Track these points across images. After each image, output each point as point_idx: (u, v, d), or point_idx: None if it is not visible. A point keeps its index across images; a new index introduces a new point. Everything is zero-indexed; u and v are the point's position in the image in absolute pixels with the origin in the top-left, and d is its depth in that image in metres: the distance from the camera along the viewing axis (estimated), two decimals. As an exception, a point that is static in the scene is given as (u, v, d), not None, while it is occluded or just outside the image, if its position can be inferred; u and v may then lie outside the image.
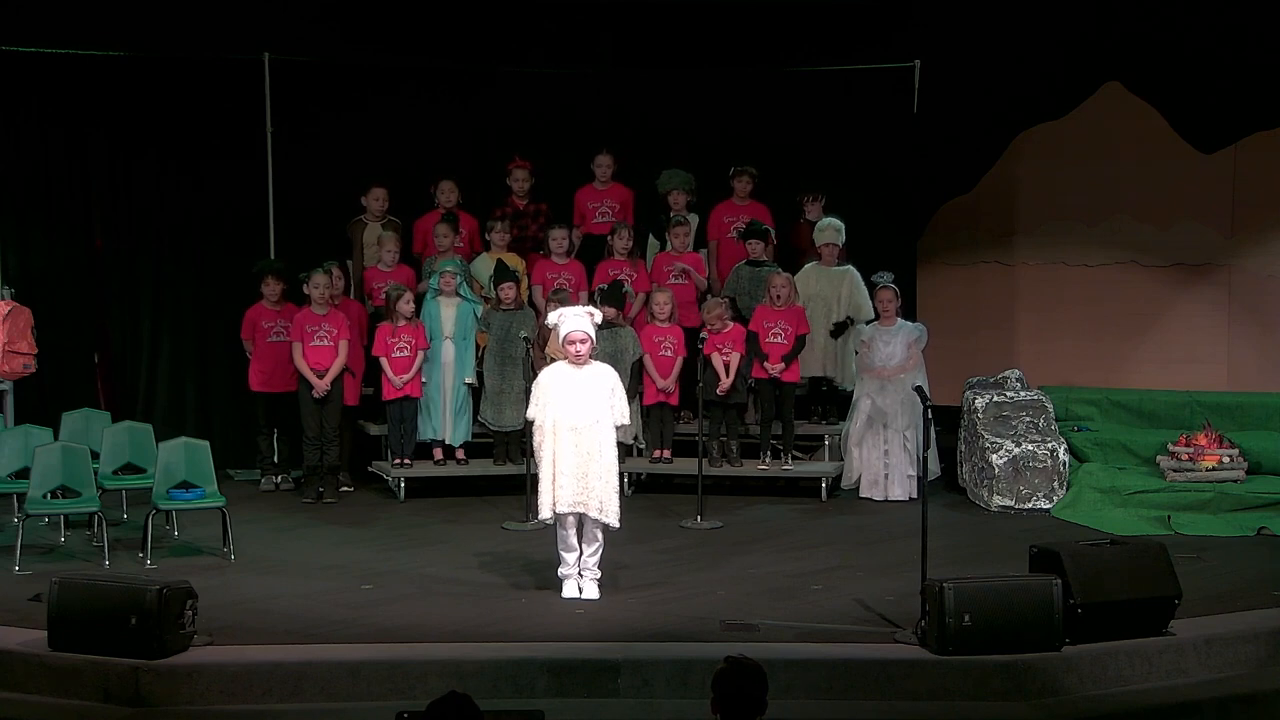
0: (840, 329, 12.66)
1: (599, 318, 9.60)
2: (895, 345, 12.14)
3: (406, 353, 12.14)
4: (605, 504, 9.22)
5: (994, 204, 14.50)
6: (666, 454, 12.39)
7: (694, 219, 13.07)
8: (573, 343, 9.32)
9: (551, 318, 9.64)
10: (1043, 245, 14.46)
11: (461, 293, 12.28)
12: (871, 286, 12.36)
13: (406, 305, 12.09)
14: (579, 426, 9.22)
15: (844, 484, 12.37)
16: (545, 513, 9.30)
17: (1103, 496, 11.68)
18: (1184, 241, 14.18)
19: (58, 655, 8.09)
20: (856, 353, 12.40)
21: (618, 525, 9.31)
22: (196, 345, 13.36)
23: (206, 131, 13.15)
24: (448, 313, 12.26)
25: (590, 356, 9.44)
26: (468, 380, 12.33)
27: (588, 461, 9.20)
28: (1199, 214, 14.12)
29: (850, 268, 12.76)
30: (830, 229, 12.70)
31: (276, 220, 13.26)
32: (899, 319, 12.26)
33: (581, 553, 9.33)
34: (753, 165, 13.11)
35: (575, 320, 9.35)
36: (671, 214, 13.02)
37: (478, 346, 12.37)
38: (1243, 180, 14.02)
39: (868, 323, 12.51)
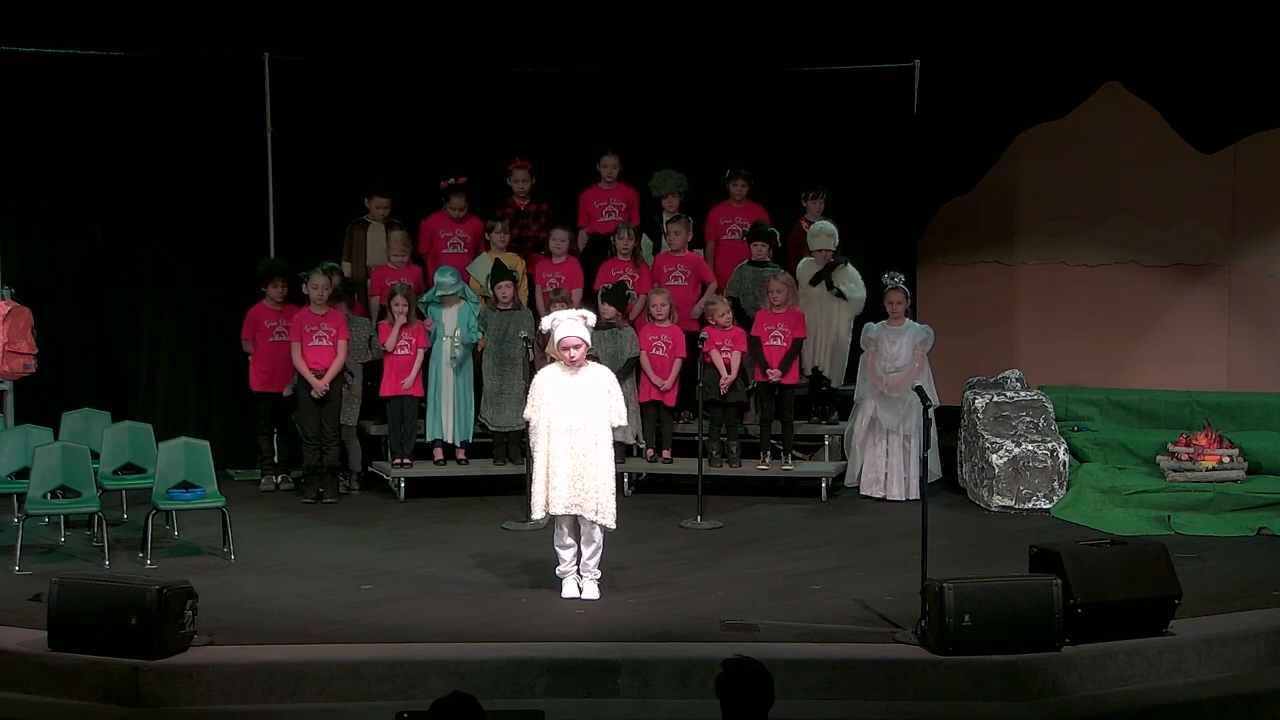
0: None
1: (592, 320, 9.59)
2: (901, 345, 12.12)
3: (407, 351, 12.14)
4: (601, 506, 9.21)
5: (994, 204, 14.49)
6: (666, 454, 12.39)
7: (688, 220, 13.06)
8: (567, 348, 9.31)
9: (545, 323, 9.64)
10: (1043, 245, 14.46)
11: (463, 295, 12.26)
12: (881, 287, 12.34)
13: (400, 309, 12.07)
14: (574, 428, 9.21)
15: (846, 482, 12.38)
16: (537, 513, 9.31)
17: (1103, 496, 11.68)
18: (1184, 241, 14.17)
19: (58, 655, 8.09)
20: (863, 349, 12.39)
21: (614, 527, 9.31)
22: (196, 345, 13.37)
23: (206, 131, 13.15)
24: (449, 313, 12.24)
25: (588, 357, 9.44)
26: (453, 344, 12.19)
27: (583, 463, 9.19)
28: (1199, 214, 14.12)
29: (845, 260, 12.70)
30: (823, 234, 12.66)
31: (276, 220, 13.26)
32: (907, 320, 12.25)
33: (580, 553, 9.34)
34: (753, 165, 13.11)
35: (569, 325, 9.34)
36: (665, 215, 13.01)
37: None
38: (1243, 180, 14.01)
39: (861, 320, 12.53)
